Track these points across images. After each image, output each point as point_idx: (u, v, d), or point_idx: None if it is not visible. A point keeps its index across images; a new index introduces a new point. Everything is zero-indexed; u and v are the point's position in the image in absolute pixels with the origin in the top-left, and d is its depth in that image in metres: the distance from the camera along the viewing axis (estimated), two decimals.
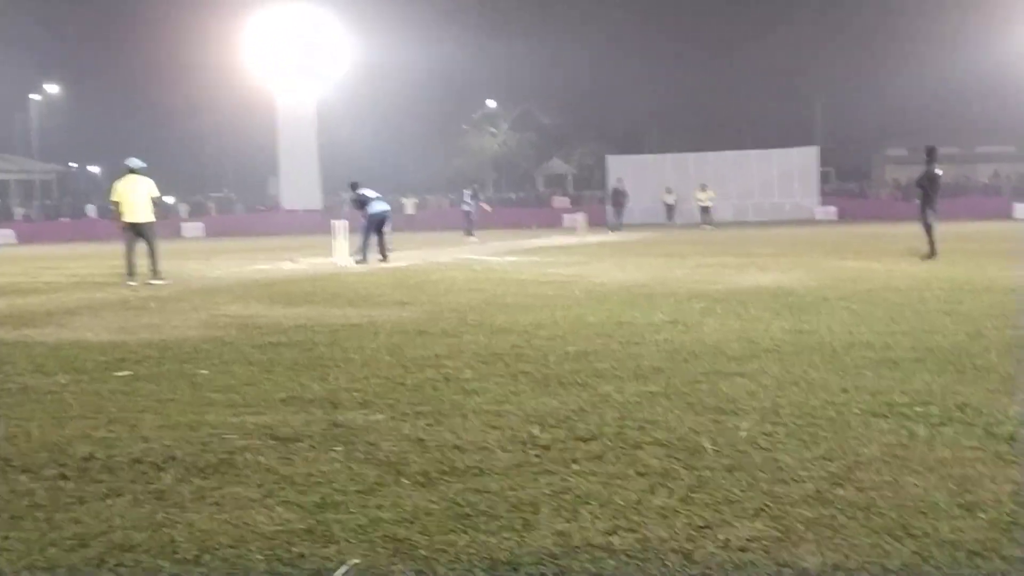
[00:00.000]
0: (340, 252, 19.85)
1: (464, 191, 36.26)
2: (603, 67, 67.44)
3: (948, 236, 20.63)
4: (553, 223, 47.57)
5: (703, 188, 43.74)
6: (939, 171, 18.08)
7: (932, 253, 17.27)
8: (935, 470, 4.29)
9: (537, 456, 4.62)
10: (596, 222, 41.18)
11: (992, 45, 51.09)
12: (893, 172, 63.85)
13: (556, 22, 67.55)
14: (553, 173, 76.87)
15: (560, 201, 55.64)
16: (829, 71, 66.17)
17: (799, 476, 4.22)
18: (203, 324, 10.07)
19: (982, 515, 3.69)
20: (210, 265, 20.65)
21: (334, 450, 4.81)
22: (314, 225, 40.49)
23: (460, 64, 62.49)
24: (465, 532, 3.61)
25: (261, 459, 4.68)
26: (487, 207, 36.42)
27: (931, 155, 17.97)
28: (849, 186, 59.24)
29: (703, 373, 6.59)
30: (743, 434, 4.92)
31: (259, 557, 3.43)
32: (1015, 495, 3.91)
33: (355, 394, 6.15)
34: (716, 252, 21.46)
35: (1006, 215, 43.80)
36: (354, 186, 20.70)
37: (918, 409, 5.39)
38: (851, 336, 8.13)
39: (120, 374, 7.07)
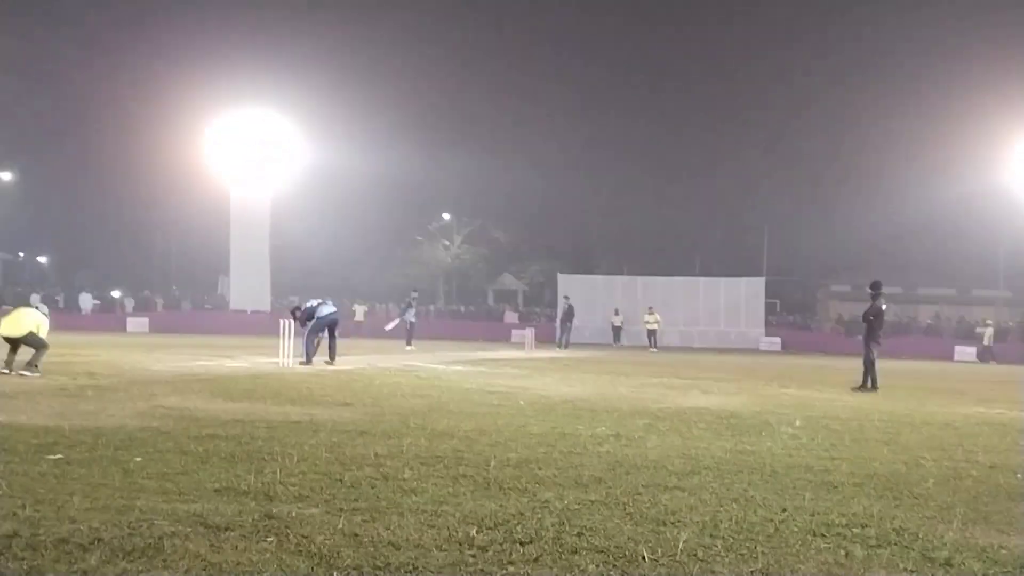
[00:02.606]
0: (286, 352, 19.67)
1: (404, 302, 35.45)
2: (558, 187, 68.54)
3: (889, 372, 20.95)
4: (502, 338, 47.62)
5: (650, 311, 44.20)
6: (884, 305, 18.41)
7: (873, 386, 17.49)
8: None
9: (473, 556, 4.57)
10: (544, 339, 41.30)
11: (935, 190, 52.68)
12: (837, 307, 65.01)
13: (514, 141, 68.79)
14: (504, 288, 77.38)
15: (511, 316, 55.82)
16: (776, 205, 67.75)
17: None
18: (140, 414, 9.88)
19: None
20: (151, 359, 20.35)
21: (266, 540, 4.72)
22: (262, 326, 40.02)
23: (417, 175, 63.22)
24: None
25: (190, 545, 4.57)
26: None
27: (876, 289, 18.32)
28: (793, 318, 60.09)
29: (644, 485, 6.58)
30: (681, 545, 4.89)
31: None
32: None
33: (291, 488, 6.05)
34: (661, 373, 21.56)
35: (947, 356, 44.54)
36: (295, 311, 20.60)
37: (855, 531, 5.42)
38: (791, 459, 8.17)
39: (52, 457, 6.90)
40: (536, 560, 4.54)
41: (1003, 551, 5.08)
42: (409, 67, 79.75)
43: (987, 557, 4.93)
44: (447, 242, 70.97)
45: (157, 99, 61.03)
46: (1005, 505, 6.41)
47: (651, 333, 43.62)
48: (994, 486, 7.13)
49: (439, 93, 77.50)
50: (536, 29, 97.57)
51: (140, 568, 4.18)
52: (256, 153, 49.48)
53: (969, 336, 47.45)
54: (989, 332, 45.42)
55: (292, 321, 20.11)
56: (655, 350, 41.31)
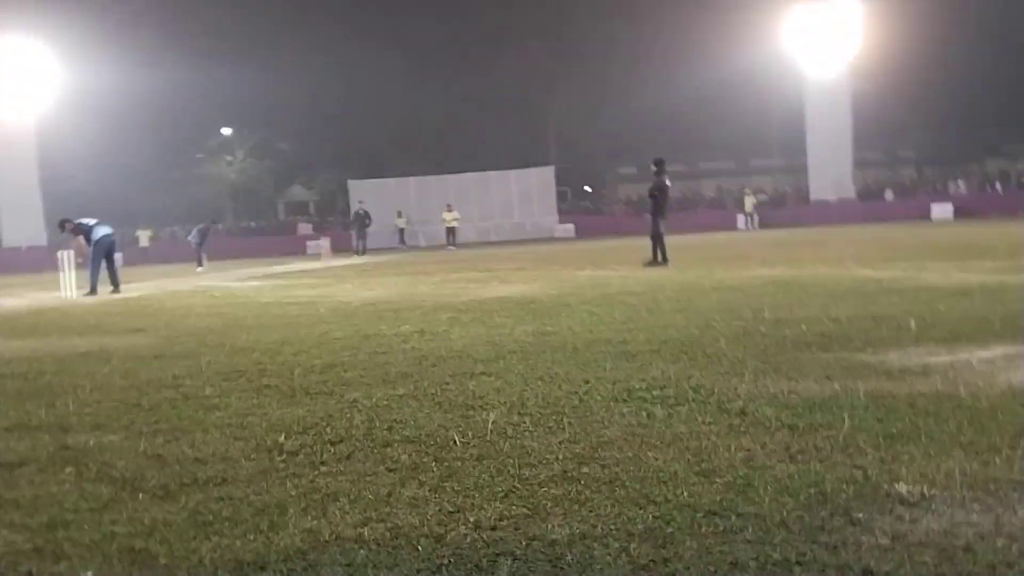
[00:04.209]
0: (68, 285, 18.77)
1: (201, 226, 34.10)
2: (340, 93, 66.91)
3: (677, 245, 21.76)
4: (297, 250, 46.84)
5: (449, 208, 44.24)
6: (668, 181, 19.01)
7: (663, 260, 18.14)
8: (673, 444, 4.47)
9: (283, 462, 4.50)
10: (341, 247, 40.90)
11: (709, 64, 54.14)
12: (625, 189, 66.87)
13: (287, 48, 66.49)
14: (295, 200, 75.96)
15: (304, 228, 54.92)
16: (559, 93, 68.23)
17: (546, 459, 4.30)
18: None
19: (718, 480, 3.87)
20: None
21: (64, 472, 4.51)
22: (40, 262, 37.97)
23: (191, 92, 60.47)
24: (208, 539, 3.45)
25: None
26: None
27: (659, 166, 18.89)
28: (584, 203, 61.44)
29: (450, 375, 6.64)
30: (491, 426, 4.96)
31: None
32: (748, 461, 4.12)
33: (86, 418, 5.80)
34: (461, 269, 21.73)
35: (730, 227, 46.67)
36: (63, 224, 19.64)
37: (655, 393, 5.63)
38: (591, 335, 8.40)
39: None
40: (348, 457, 4.52)
41: (793, 396, 5.38)
42: None
43: (779, 403, 5.21)
44: (230, 157, 68.75)
45: None
46: (792, 355, 6.78)
47: (450, 231, 43.75)
48: (781, 339, 7.54)
49: (204, 4, 74.05)
50: None
51: None
52: (10, 81, 46.38)
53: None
54: (750, 200, 48.07)
55: (70, 253, 19.16)
56: (454, 247, 41.55)
